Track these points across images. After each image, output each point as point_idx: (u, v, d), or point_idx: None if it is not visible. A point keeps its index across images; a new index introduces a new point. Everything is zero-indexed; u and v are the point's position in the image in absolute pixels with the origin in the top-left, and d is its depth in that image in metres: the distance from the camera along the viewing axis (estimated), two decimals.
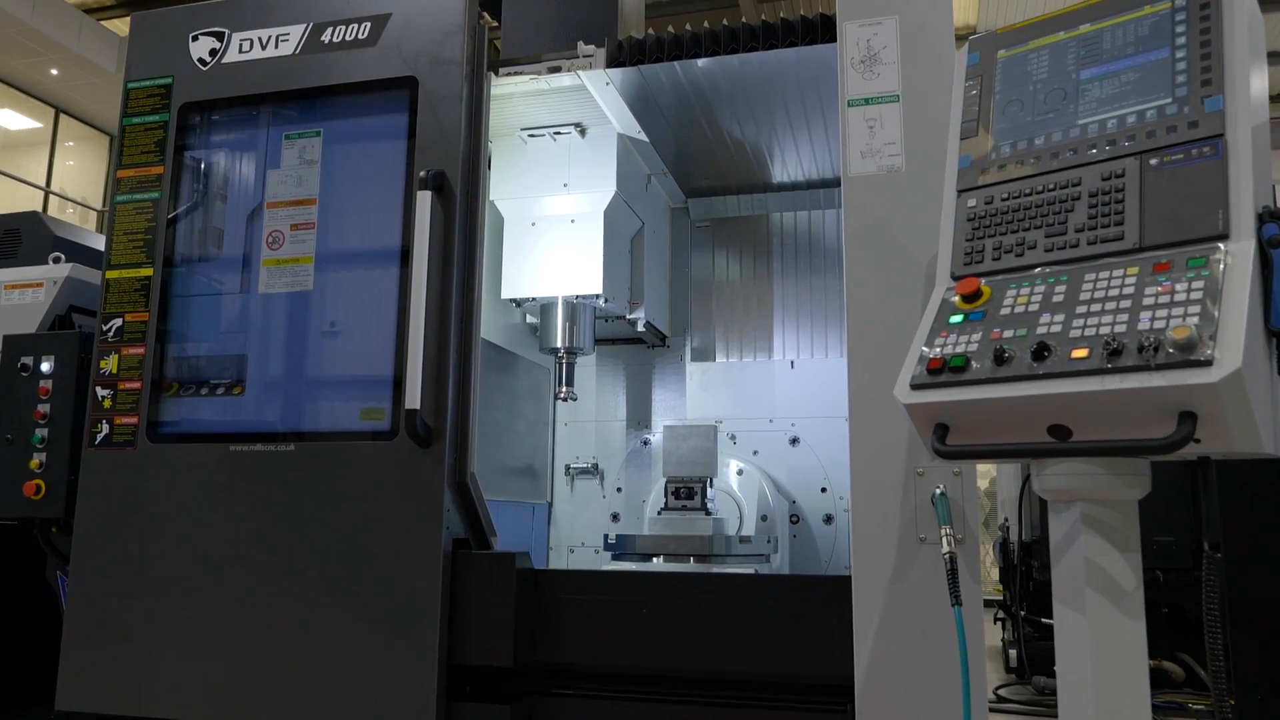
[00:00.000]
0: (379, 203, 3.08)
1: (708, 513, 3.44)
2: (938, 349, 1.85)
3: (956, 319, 1.89)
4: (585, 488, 4.13)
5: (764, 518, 3.91)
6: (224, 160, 3.29)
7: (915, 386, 1.83)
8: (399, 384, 2.84)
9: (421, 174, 2.89)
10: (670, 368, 4.19)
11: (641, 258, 4.01)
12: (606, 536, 3.43)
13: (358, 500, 2.85)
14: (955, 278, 1.98)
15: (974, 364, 1.78)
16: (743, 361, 4.12)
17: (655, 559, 3.30)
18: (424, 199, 2.87)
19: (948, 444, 1.77)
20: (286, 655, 2.81)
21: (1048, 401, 1.65)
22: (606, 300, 3.68)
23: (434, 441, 2.71)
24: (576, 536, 4.07)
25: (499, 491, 3.86)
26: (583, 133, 3.65)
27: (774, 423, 4.12)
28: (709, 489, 3.52)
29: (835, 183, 4.23)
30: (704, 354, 4.08)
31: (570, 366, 3.76)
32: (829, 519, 4.04)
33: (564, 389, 3.73)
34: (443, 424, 2.83)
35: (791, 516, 4.08)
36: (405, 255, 2.93)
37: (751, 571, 3.20)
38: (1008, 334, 1.78)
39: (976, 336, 1.82)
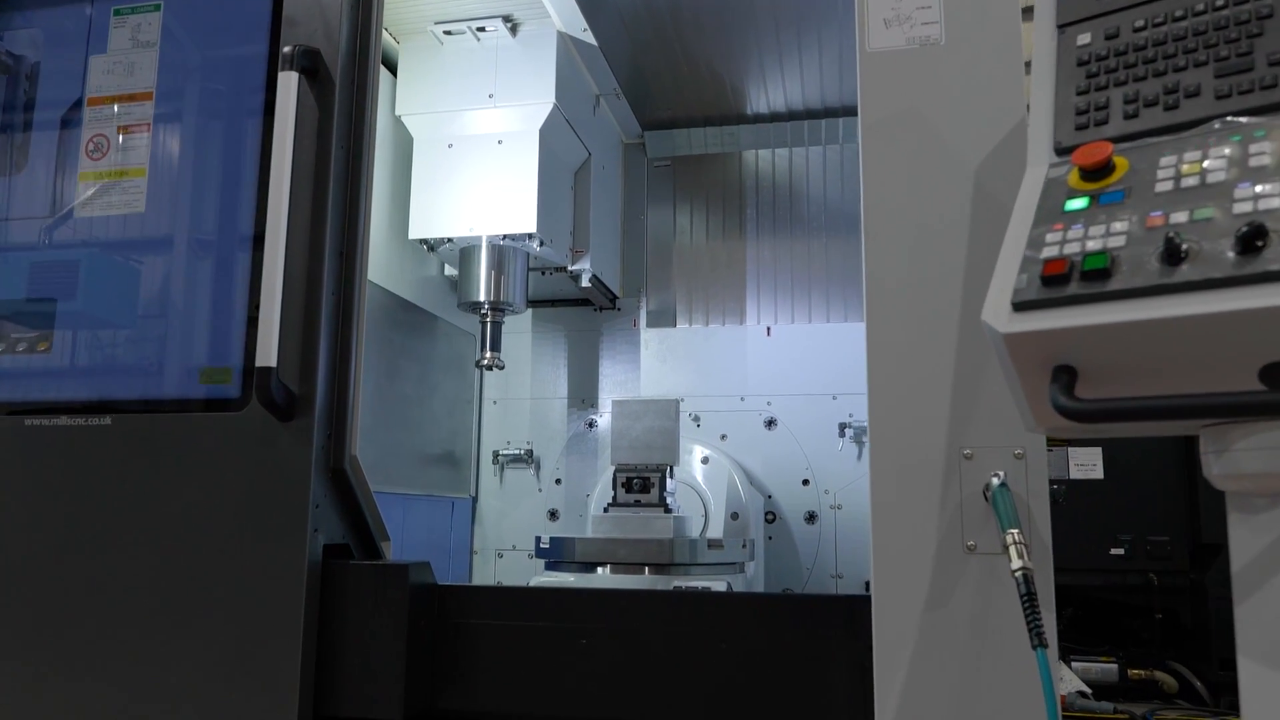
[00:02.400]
0: (235, 99, 2.30)
1: (667, 510, 2.72)
2: (1054, 248, 1.14)
3: (1077, 204, 1.19)
4: (517, 479, 3.39)
5: (734, 516, 3.20)
6: (31, 42, 2.48)
7: (1021, 306, 1.12)
8: (253, 336, 2.06)
9: (286, 50, 2.12)
10: (621, 335, 3.46)
11: (587, 197, 3.27)
12: (539, 540, 2.69)
13: (194, 490, 2.08)
14: (1064, 149, 1.27)
15: (1123, 265, 1.07)
16: (709, 328, 3.41)
17: (600, 569, 2.57)
18: (288, 82, 2.10)
19: (1081, 399, 1.06)
20: (87, 703, 2.03)
21: (1272, 322, 0.95)
22: (542, 244, 2.94)
23: (298, 413, 1.97)
24: (506, 538, 3.35)
25: (409, 484, 3.10)
26: (514, 29, 2.90)
27: (746, 401, 3.42)
28: (669, 480, 2.79)
29: (825, 113, 3.53)
30: (662, 318, 3.38)
31: (497, 328, 3.01)
32: (812, 517, 3.34)
33: (487, 354, 2.98)
34: (311, 390, 2.07)
35: (767, 515, 3.38)
36: (266, 166, 2.15)
37: (724, 587, 2.49)
38: (1179, 217, 1.07)
39: (1121, 225, 1.11)
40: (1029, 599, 1.51)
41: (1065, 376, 1.10)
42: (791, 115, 3.55)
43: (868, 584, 3.61)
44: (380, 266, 2.94)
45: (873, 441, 1.84)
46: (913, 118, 1.91)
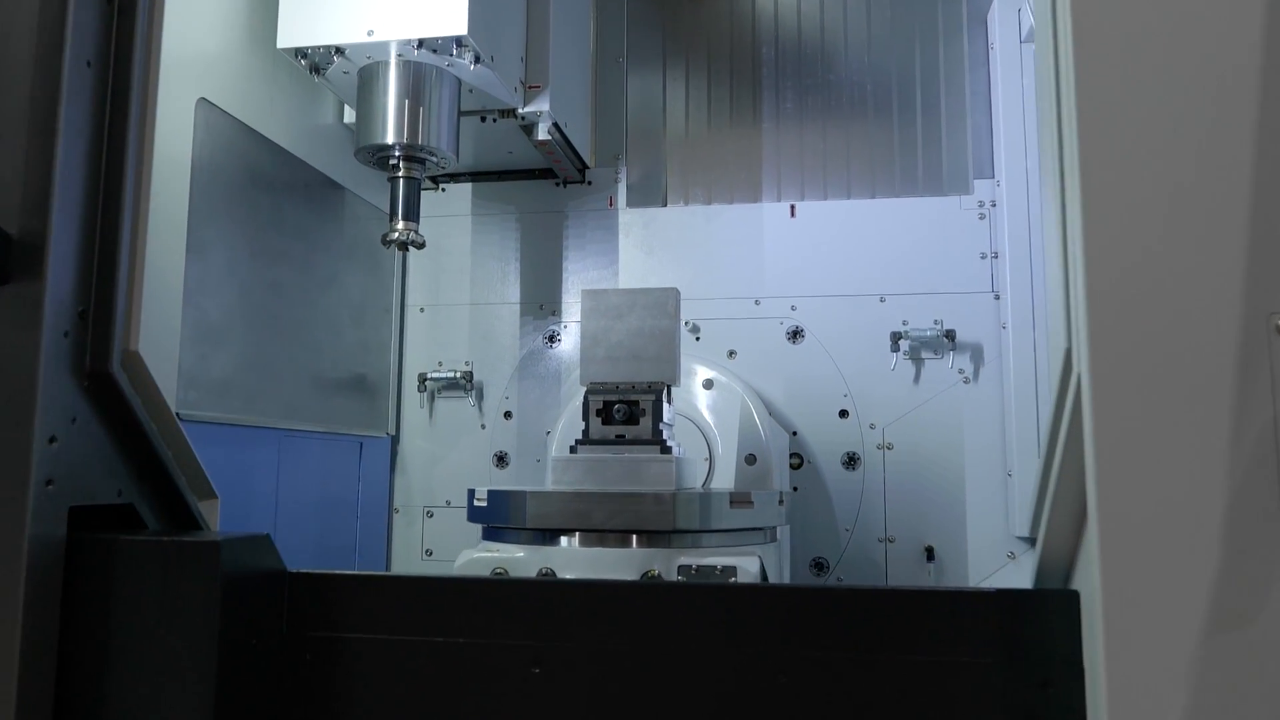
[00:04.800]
0: None
1: (665, 449, 1.82)
2: None
3: None
4: (452, 412, 2.49)
5: (750, 459, 2.31)
6: None
7: None
8: None
9: None
10: (594, 218, 2.57)
11: (546, 17, 2.31)
12: (472, 496, 1.78)
13: None
14: None
15: None
16: (711, 208, 2.51)
17: (565, 539, 1.67)
18: None
19: None
20: None
21: None
22: (480, 60, 1.99)
23: (17, 273, 0.98)
24: (438, 491, 2.60)
25: (296, 416, 2.18)
26: None
27: (762, 306, 2.54)
28: (665, 407, 1.89)
29: None
30: (648, 195, 2.64)
31: (413, 187, 2.07)
32: (852, 461, 2.48)
33: (399, 225, 2.04)
34: (42, 231, 1.13)
35: (792, 458, 2.49)
36: None
37: (755, 567, 1.61)
38: None
39: None
40: None
41: None
42: None
43: (930, 550, 2.61)
44: (240, 96, 1.98)
45: (1091, 314, 0.94)
46: None
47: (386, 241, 2.07)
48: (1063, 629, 1.16)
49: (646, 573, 1.65)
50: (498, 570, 1.71)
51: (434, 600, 1.31)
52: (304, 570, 1.33)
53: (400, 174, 2.05)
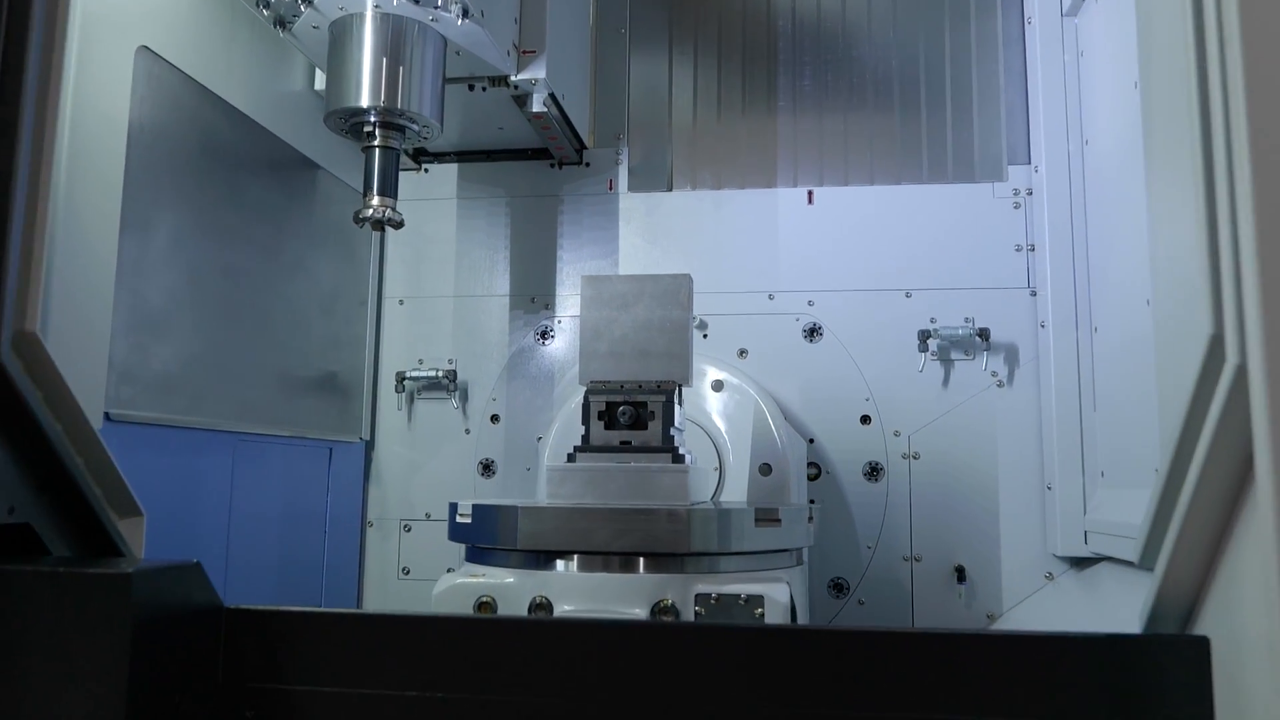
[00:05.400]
0: None
1: (678, 458, 1.58)
2: None
3: None
4: (433, 415, 2.24)
5: (765, 469, 2.07)
6: None
7: None
8: None
9: None
10: (591, 203, 2.33)
11: None
12: (454, 509, 1.54)
13: None
14: None
15: None
16: (721, 193, 2.28)
17: (561, 563, 1.44)
18: None
19: None
20: None
21: None
22: (468, 14, 1.75)
23: None
24: (417, 502, 2.38)
25: (258, 419, 1.94)
26: None
27: (777, 301, 2.31)
28: (676, 410, 1.65)
29: None
30: (651, 179, 2.48)
31: (390, 158, 1.83)
32: (875, 472, 2.25)
33: (374, 200, 1.80)
34: None
35: (809, 468, 2.26)
36: None
37: (783, 596, 1.37)
38: None
39: None
40: None
41: None
42: None
43: (960, 570, 2.39)
44: (191, 49, 1.73)
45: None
46: None
47: (360, 219, 1.83)
48: (1189, 682, 0.94)
49: (658, 603, 1.41)
50: (484, 599, 1.46)
51: (406, 643, 1.06)
52: (245, 606, 1.09)
53: (376, 143, 1.81)
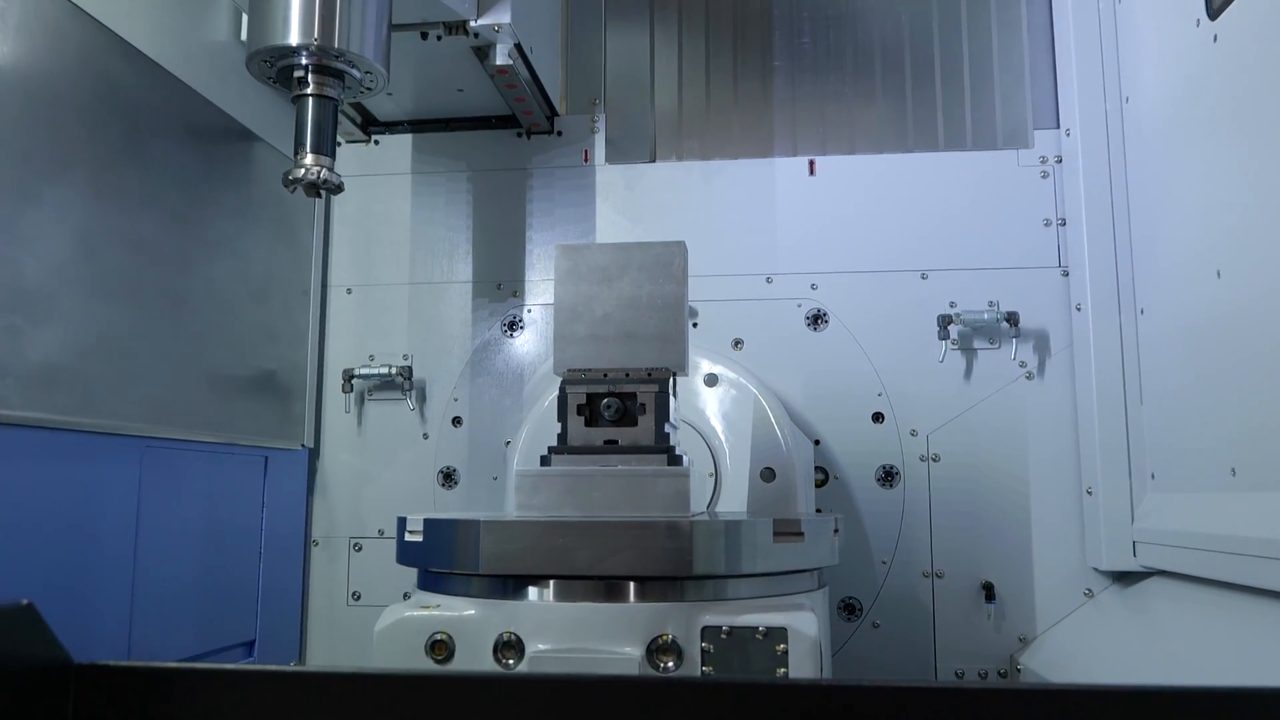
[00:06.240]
0: None
1: (674, 459, 1.30)
2: None
3: None
4: (386, 417, 1.94)
5: (768, 474, 1.80)
6: None
7: None
8: None
9: None
10: (564, 176, 2.07)
11: None
12: (403, 525, 1.25)
13: None
14: None
15: None
16: (711, 164, 2.02)
17: (534, 590, 1.14)
18: None
19: None
20: None
21: None
22: None
23: None
24: (368, 517, 2.17)
25: (179, 423, 1.64)
26: None
27: (775, 284, 2.05)
28: (671, 403, 1.38)
29: None
30: (631, 149, 2.28)
31: (325, 111, 1.54)
32: (889, 476, 1.99)
33: (307, 159, 1.51)
34: None
35: (816, 472, 2.00)
36: None
37: (811, 626, 1.09)
38: None
39: None
40: None
41: None
42: None
43: (989, 587, 2.13)
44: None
45: None
46: None
47: (290, 181, 1.53)
48: None
49: (656, 639, 1.13)
50: (437, 637, 1.17)
51: (320, 709, 0.77)
52: (101, 662, 0.79)
53: (309, 90, 1.52)
